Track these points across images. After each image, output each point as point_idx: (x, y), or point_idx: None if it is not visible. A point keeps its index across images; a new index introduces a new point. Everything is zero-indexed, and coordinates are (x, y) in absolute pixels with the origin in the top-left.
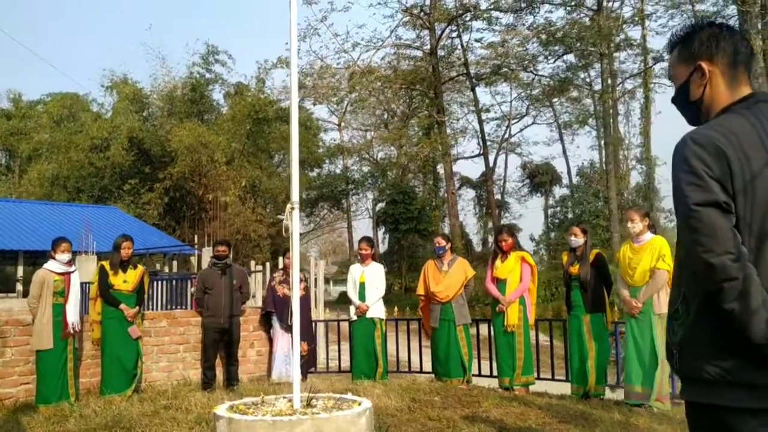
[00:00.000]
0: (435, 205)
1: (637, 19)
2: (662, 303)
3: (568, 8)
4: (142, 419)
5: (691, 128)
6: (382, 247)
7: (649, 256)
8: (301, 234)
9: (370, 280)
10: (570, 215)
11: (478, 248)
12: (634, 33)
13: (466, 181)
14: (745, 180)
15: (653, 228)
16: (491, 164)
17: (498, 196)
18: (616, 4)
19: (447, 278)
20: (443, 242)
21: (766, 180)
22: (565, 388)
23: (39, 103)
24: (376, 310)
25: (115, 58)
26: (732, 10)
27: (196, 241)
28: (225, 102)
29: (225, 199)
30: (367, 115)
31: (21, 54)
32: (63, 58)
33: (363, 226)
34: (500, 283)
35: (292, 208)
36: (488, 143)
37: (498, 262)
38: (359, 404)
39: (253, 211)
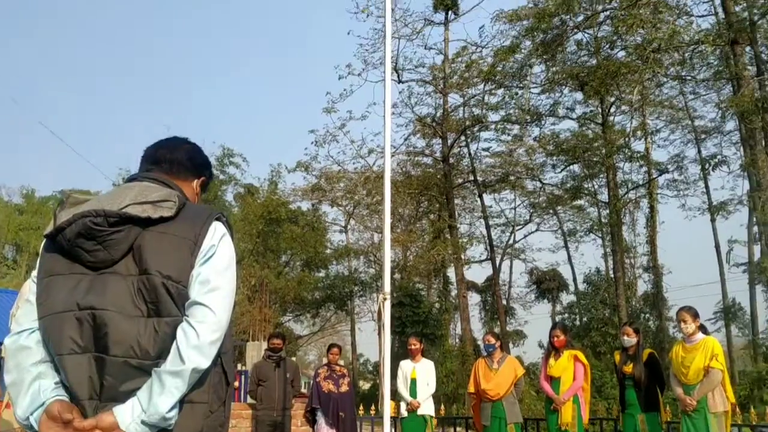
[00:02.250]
0: (445, 308)
1: (640, 132)
2: (717, 402)
3: (575, 120)
4: None
5: None
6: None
7: (702, 355)
8: (304, 336)
9: (421, 376)
10: (578, 322)
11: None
12: (638, 146)
13: (471, 286)
14: None
15: (704, 329)
16: (497, 269)
17: (503, 302)
18: (619, 118)
19: (498, 376)
20: (493, 340)
21: None
22: None
23: (50, 199)
24: (427, 407)
25: (133, 156)
26: (731, 125)
27: None
28: (236, 202)
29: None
30: (375, 217)
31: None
32: (84, 154)
33: (368, 329)
34: (554, 381)
35: (385, 299)
36: (494, 249)
37: (551, 360)
38: None
39: (260, 310)
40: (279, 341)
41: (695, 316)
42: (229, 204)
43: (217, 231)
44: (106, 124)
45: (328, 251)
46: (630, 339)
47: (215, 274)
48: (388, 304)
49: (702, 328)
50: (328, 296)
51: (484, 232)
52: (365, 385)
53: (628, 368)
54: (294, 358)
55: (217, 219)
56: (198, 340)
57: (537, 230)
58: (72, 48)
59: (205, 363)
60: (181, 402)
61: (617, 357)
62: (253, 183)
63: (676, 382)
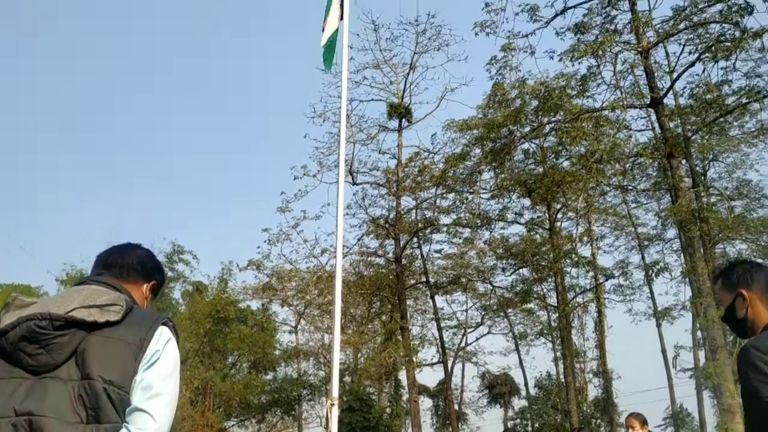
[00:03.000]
0: (396, 413)
1: (586, 238)
2: None
3: (523, 225)
4: None
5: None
6: None
7: None
8: None
9: None
10: (530, 428)
11: None
12: (585, 251)
13: (423, 390)
14: None
15: None
16: (449, 373)
17: (456, 407)
18: (566, 224)
19: None
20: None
21: None
22: None
23: None
24: None
25: (80, 253)
26: (671, 233)
27: None
28: (183, 300)
29: None
30: (326, 318)
31: None
32: (30, 249)
33: None
34: None
35: (332, 404)
36: (446, 351)
37: None
38: None
39: (202, 414)
40: None
41: (643, 422)
42: (176, 302)
43: (162, 336)
44: (51, 217)
45: (277, 352)
46: None
47: (158, 380)
48: (335, 411)
49: None
50: (275, 400)
51: (436, 334)
52: None
53: None
54: None
55: (164, 324)
56: None
57: (488, 333)
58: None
59: None
60: None
61: None
62: (203, 281)
63: None
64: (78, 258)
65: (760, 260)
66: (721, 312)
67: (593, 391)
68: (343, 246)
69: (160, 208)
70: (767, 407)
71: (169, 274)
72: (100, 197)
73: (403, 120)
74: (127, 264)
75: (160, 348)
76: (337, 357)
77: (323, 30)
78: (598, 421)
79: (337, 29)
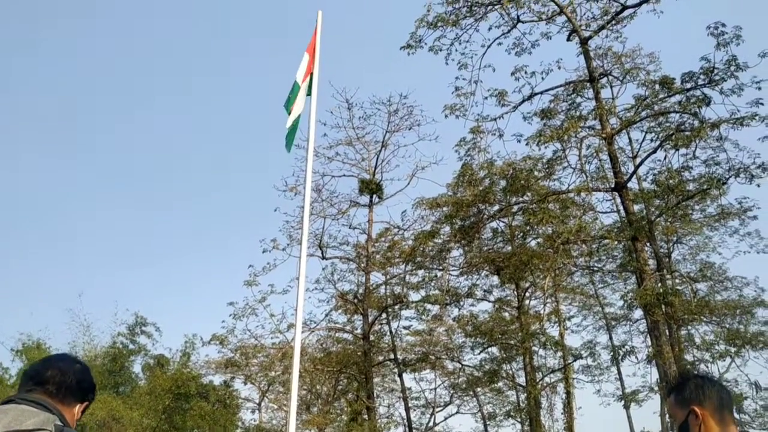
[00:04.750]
0: None
1: (554, 317)
2: None
3: (492, 303)
4: None
5: None
6: None
7: None
8: None
9: None
10: None
11: None
12: (553, 331)
13: None
14: None
15: None
16: None
17: None
18: (534, 302)
19: None
20: None
21: None
22: None
23: None
24: None
25: (38, 322)
26: (638, 313)
27: None
28: (143, 374)
29: None
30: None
31: None
32: None
33: None
34: None
35: None
36: (414, 431)
37: None
38: None
39: None
40: None
41: None
42: (136, 375)
43: None
44: (3, 286)
45: (239, 431)
46: None
47: None
48: None
49: None
50: None
51: (404, 413)
52: None
53: None
54: None
55: None
56: None
57: (457, 412)
58: None
59: None
60: None
61: None
62: (165, 354)
63: None
64: (35, 327)
65: (711, 376)
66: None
67: None
68: (311, 321)
69: (122, 279)
70: None
71: (131, 346)
72: (59, 265)
73: (374, 196)
74: (65, 383)
75: None
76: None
77: (289, 113)
78: None
79: (299, 116)
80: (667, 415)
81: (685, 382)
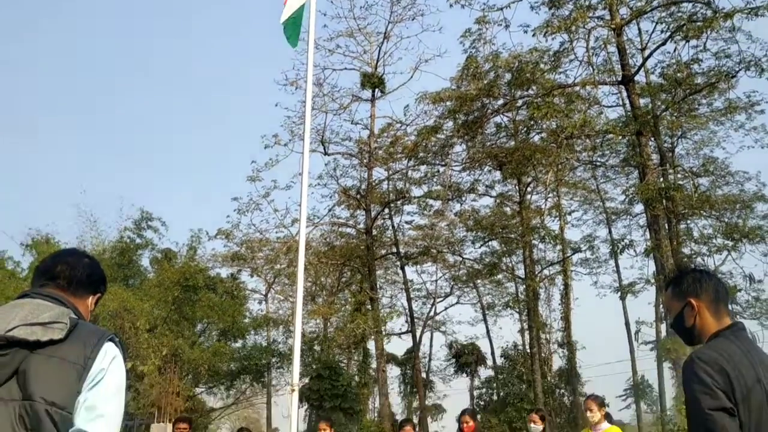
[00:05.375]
0: (364, 382)
1: (555, 212)
2: None
3: (493, 199)
4: None
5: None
6: (303, 426)
7: None
8: (217, 408)
9: None
10: (495, 397)
11: None
12: (553, 225)
13: (391, 359)
14: (742, 393)
15: (609, 417)
16: (418, 342)
17: (423, 375)
18: (536, 197)
19: None
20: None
21: (757, 393)
22: None
23: None
24: None
25: (45, 217)
26: (638, 208)
27: None
28: (152, 267)
29: (143, 369)
30: (296, 288)
31: None
32: None
33: (284, 402)
34: None
35: (293, 390)
36: (415, 320)
37: None
38: None
39: (170, 382)
40: (185, 425)
41: (601, 405)
42: (145, 269)
43: (108, 354)
44: (8, 181)
45: (247, 321)
46: (537, 426)
47: (102, 401)
48: (295, 396)
49: (608, 417)
50: (244, 367)
51: (405, 304)
52: None
53: None
54: None
55: (110, 340)
56: None
57: (457, 303)
58: None
59: None
60: None
61: None
62: (171, 248)
63: None
64: (42, 222)
65: (708, 269)
66: (670, 320)
67: (558, 362)
68: (315, 216)
69: (127, 174)
70: (707, 417)
71: (137, 240)
72: (66, 161)
73: (376, 90)
74: (75, 276)
75: (105, 366)
76: (297, 345)
77: (285, 4)
78: (562, 390)
79: (303, 5)
80: (662, 306)
81: (683, 276)
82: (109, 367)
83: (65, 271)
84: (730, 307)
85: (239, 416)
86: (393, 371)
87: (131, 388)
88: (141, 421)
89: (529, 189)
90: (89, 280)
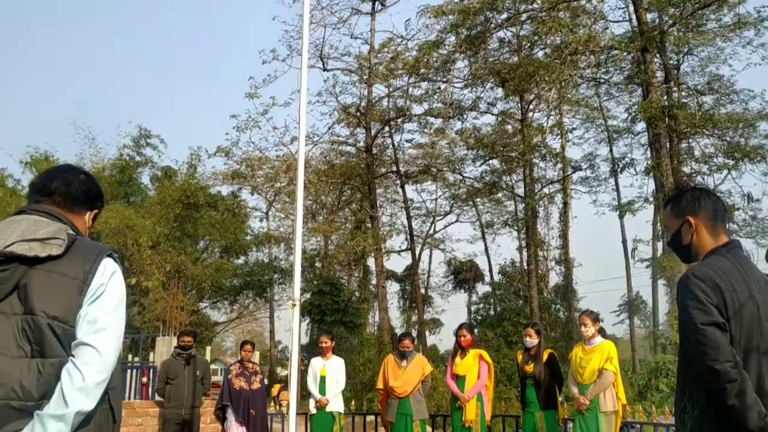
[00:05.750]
0: (364, 298)
1: (557, 130)
2: (607, 402)
3: (495, 117)
4: None
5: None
6: (305, 339)
7: (599, 358)
8: (222, 322)
9: (330, 374)
10: (492, 312)
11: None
12: (554, 143)
13: (390, 275)
14: (734, 308)
15: (603, 332)
16: (417, 259)
17: (422, 291)
18: (538, 115)
19: (406, 374)
20: (410, 347)
21: (750, 308)
22: None
23: None
24: (336, 404)
25: (43, 135)
26: (641, 126)
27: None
28: (152, 185)
29: (147, 284)
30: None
31: None
32: None
33: (287, 317)
34: (459, 379)
35: (294, 305)
36: (414, 238)
37: (457, 359)
38: None
39: (174, 297)
40: (190, 339)
41: (595, 320)
42: (145, 186)
43: (107, 269)
44: (7, 100)
45: (248, 238)
46: (532, 340)
47: (103, 315)
48: (297, 310)
49: (601, 332)
50: (247, 283)
51: (405, 222)
52: (283, 372)
53: (530, 368)
54: (209, 347)
55: (109, 255)
56: (83, 382)
57: (456, 221)
58: None
59: (89, 405)
60: None
61: (519, 357)
62: (171, 165)
63: (573, 381)
64: (41, 140)
65: (708, 187)
66: (667, 237)
67: (554, 278)
68: (314, 134)
69: (125, 90)
70: (699, 332)
71: (137, 158)
72: (61, 78)
73: (377, 2)
74: (71, 193)
75: (105, 281)
76: (298, 260)
77: None
78: (558, 306)
79: None
80: (659, 225)
81: (682, 194)
82: (109, 281)
83: (61, 188)
84: (727, 226)
85: (243, 330)
86: (392, 287)
87: (136, 303)
88: (147, 335)
89: (531, 107)
90: (86, 196)
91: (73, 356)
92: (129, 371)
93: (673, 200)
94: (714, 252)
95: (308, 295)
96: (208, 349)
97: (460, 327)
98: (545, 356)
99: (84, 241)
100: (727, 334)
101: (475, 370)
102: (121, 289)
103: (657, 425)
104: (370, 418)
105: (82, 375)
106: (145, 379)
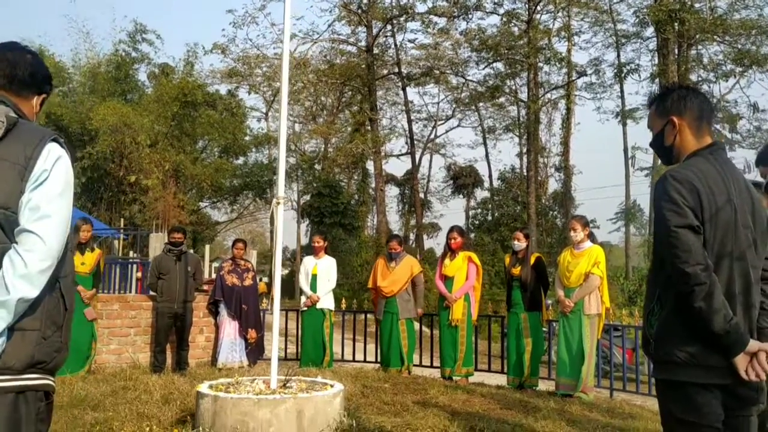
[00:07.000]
0: (362, 200)
1: (564, 33)
2: (592, 305)
3: (500, 17)
4: (105, 398)
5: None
6: (304, 240)
7: (586, 262)
8: (222, 222)
9: (322, 273)
10: (490, 217)
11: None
12: (560, 47)
13: (390, 179)
14: (711, 211)
15: (592, 237)
16: (417, 164)
17: (421, 195)
18: (545, 17)
19: (393, 274)
20: (398, 248)
21: (726, 211)
22: (500, 380)
23: None
24: (326, 301)
25: (36, 28)
26: (650, 32)
27: (114, 224)
28: (149, 82)
29: (146, 183)
30: (297, 106)
31: None
32: None
33: (287, 218)
34: (448, 280)
35: (278, 203)
36: (415, 142)
37: (447, 260)
38: (331, 386)
39: (174, 196)
40: (180, 235)
41: (585, 224)
42: (143, 84)
43: (51, 154)
44: None
45: (248, 138)
46: (520, 243)
47: (46, 201)
48: (281, 208)
49: (591, 237)
50: (246, 184)
51: (406, 126)
52: (282, 272)
53: (516, 270)
54: (209, 246)
55: (54, 140)
56: (25, 269)
57: (458, 126)
58: None
59: (33, 292)
60: (12, 329)
61: (507, 259)
62: (168, 62)
63: (559, 284)
64: (34, 33)
65: (696, 87)
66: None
67: (553, 185)
68: (313, 32)
69: None
70: (671, 234)
71: (133, 54)
72: None
73: None
74: (17, 75)
75: (48, 167)
76: (282, 160)
77: None
78: (555, 212)
79: None
80: None
81: (668, 93)
82: (53, 167)
83: (5, 69)
84: (730, 135)
85: (244, 230)
86: (392, 191)
87: (136, 201)
88: (145, 232)
89: (538, 8)
90: (33, 79)
91: (16, 243)
92: (129, 266)
93: (659, 99)
94: (696, 154)
95: (308, 197)
96: (208, 247)
97: (451, 230)
98: (533, 259)
99: (28, 124)
100: (701, 237)
101: (463, 271)
102: (67, 174)
103: (638, 328)
104: (361, 316)
105: (25, 262)
106: (139, 274)
